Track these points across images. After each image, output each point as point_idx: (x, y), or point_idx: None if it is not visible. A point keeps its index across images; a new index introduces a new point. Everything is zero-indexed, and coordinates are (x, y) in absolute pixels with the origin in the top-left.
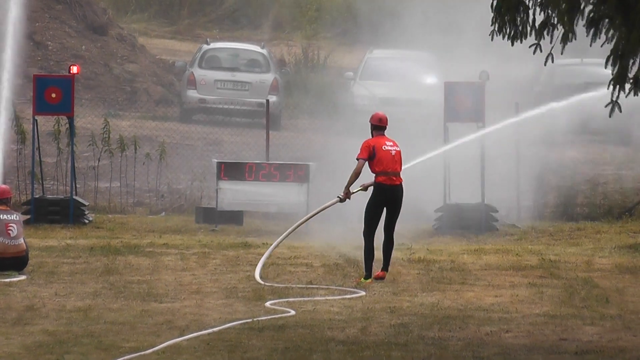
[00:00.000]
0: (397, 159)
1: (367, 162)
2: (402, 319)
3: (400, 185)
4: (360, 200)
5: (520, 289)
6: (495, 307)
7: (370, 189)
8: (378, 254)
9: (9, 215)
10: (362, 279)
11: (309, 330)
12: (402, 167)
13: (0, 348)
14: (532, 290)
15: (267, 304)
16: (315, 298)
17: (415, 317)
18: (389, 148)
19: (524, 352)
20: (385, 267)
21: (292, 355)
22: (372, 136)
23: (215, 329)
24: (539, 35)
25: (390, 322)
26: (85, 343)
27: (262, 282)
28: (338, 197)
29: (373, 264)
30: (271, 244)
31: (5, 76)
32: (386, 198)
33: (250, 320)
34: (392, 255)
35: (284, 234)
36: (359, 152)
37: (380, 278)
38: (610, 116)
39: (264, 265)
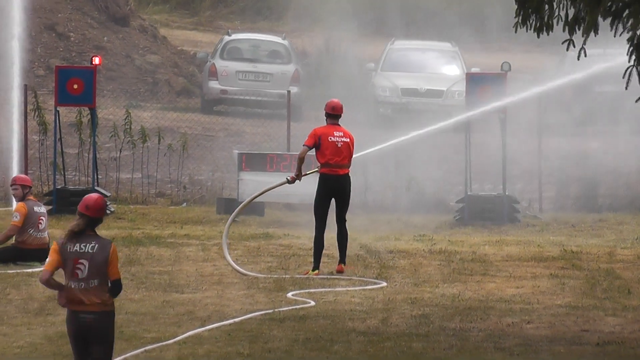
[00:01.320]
0: (343, 151)
1: (312, 149)
2: (423, 310)
3: (345, 175)
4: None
5: (541, 280)
6: (516, 298)
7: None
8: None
9: (39, 208)
10: (310, 270)
11: (329, 321)
12: (352, 157)
13: (23, 338)
14: (554, 282)
15: (289, 294)
16: (337, 289)
17: (436, 308)
18: (336, 139)
19: (546, 343)
20: (342, 260)
21: (313, 345)
22: (326, 124)
23: (236, 320)
24: (571, 30)
25: (411, 313)
26: None
27: (246, 272)
28: (287, 178)
29: (322, 256)
30: (292, 235)
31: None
32: (331, 189)
33: (271, 310)
34: (347, 247)
35: (232, 215)
36: (306, 138)
37: (340, 272)
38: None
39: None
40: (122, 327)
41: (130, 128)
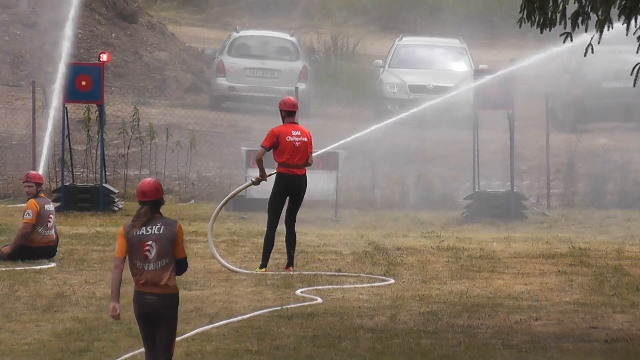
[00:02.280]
0: (301, 150)
1: (269, 150)
2: (431, 306)
3: (302, 176)
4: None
5: (550, 276)
6: (524, 295)
7: None
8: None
9: (49, 206)
10: (258, 267)
11: (337, 317)
12: (310, 156)
13: (31, 335)
14: (562, 278)
15: (298, 291)
16: (345, 286)
17: (444, 305)
18: (294, 139)
19: (554, 340)
20: (290, 263)
21: (321, 342)
22: (283, 122)
23: (244, 317)
24: (573, 25)
25: (420, 310)
26: (115, 330)
27: (232, 267)
28: (251, 179)
29: (271, 254)
30: (300, 232)
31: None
32: (286, 188)
33: (279, 307)
34: (295, 249)
35: (211, 219)
36: (264, 138)
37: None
38: None
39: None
40: (129, 323)
41: (138, 125)
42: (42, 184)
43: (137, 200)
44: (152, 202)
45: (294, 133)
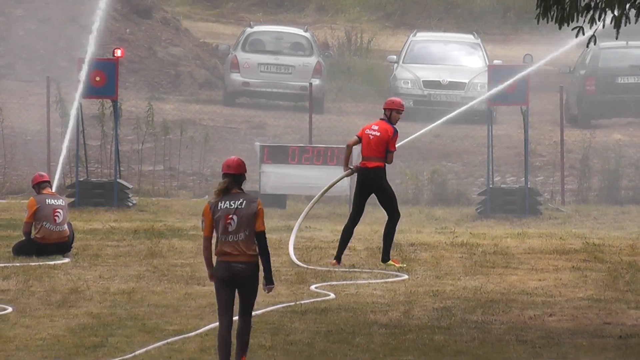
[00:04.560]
0: (372, 144)
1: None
2: (445, 302)
3: (372, 169)
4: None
5: (564, 272)
6: (538, 291)
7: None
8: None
9: (55, 200)
10: (335, 260)
11: (351, 313)
12: (387, 153)
13: (45, 330)
14: (576, 274)
15: (312, 287)
16: (358, 282)
17: (458, 301)
18: (370, 132)
19: (568, 336)
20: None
21: (335, 338)
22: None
23: (258, 312)
24: (592, 20)
25: (433, 306)
26: (129, 325)
27: (302, 264)
28: (350, 168)
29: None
30: (314, 227)
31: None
32: (359, 180)
33: (292, 303)
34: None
35: (303, 213)
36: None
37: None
38: None
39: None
40: (144, 319)
41: (153, 120)
42: (39, 182)
43: (222, 173)
44: (234, 176)
45: (373, 127)
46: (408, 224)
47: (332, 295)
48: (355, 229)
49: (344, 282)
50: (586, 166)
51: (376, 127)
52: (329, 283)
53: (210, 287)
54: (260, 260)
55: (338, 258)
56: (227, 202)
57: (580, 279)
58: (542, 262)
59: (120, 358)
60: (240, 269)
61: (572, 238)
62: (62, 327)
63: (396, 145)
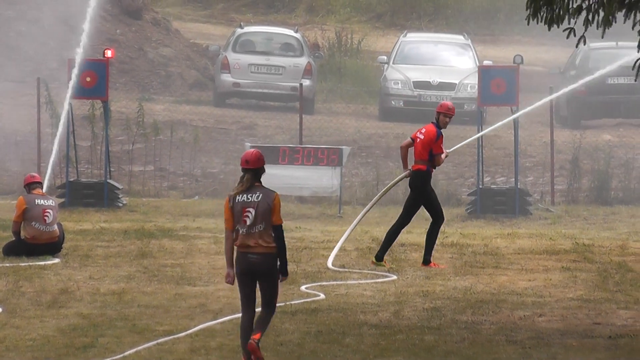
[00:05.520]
0: (419, 146)
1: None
2: (435, 302)
3: (416, 171)
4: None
5: (553, 273)
6: (528, 291)
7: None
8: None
9: (45, 201)
10: (379, 262)
11: (341, 313)
12: (435, 155)
13: (35, 330)
14: (566, 275)
15: (302, 287)
16: (348, 282)
17: (448, 301)
18: (418, 135)
19: (558, 336)
20: (427, 259)
21: (325, 338)
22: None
23: None
24: (586, 22)
25: (423, 306)
26: (119, 326)
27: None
28: (409, 169)
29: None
30: (304, 228)
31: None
32: (408, 181)
33: (282, 304)
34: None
35: (361, 214)
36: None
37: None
38: None
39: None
40: (134, 319)
41: (143, 121)
42: (30, 183)
43: (241, 168)
44: (253, 170)
45: (422, 131)
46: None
47: (322, 296)
48: (403, 231)
49: (334, 282)
50: (576, 167)
51: (423, 131)
52: (319, 283)
53: (200, 288)
54: (275, 252)
55: (380, 257)
56: (245, 195)
57: (570, 280)
58: (532, 263)
59: (111, 358)
60: (256, 259)
61: (562, 238)
62: (52, 328)
63: (447, 150)
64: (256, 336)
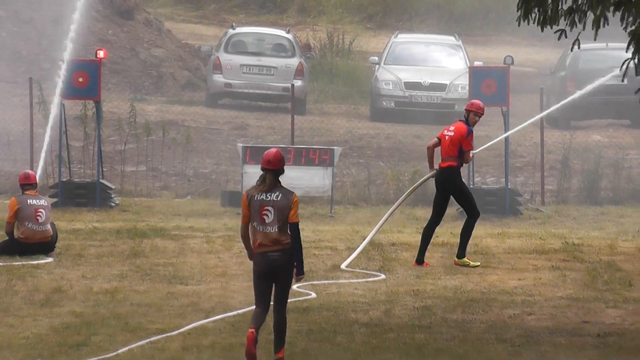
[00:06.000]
0: (446, 144)
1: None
2: (425, 301)
3: (445, 169)
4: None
5: (543, 272)
6: (518, 290)
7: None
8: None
9: (37, 201)
10: (424, 261)
11: (332, 312)
12: (464, 153)
13: (28, 329)
14: (555, 274)
15: (294, 286)
16: (339, 281)
17: (438, 300)
18: (446, 133)
19: (547, 335)
20: (462, 254)
21: (316, 337)
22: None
23: (240, 311)
24: (572, 23)
25: (414, 305)
26: (112, 325)
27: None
28: (435, 169)
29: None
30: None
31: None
32: (435, 179)
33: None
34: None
35: (385, 216)
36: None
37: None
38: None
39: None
40: (126, 318)
41: (135, 121)
42: (23, 184)
43: (261, 168)
44: (274, 171)
45: (450, 128)
46: (389, 224)
47: (314, 295)
48: (436, 229)
49: (325, 281)
50: (566, 167)
51: (452, 128)
52: (310, 282)
53: (192, 287)
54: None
55: (420, 260)
56: (264, 194)
57: (559, 279)
58: (521, 262)
59: (103, 357)
60: (276, 257)
61: (552, 238)
62: (45, 327)
63: (477, 149)
64: (280, 354)
